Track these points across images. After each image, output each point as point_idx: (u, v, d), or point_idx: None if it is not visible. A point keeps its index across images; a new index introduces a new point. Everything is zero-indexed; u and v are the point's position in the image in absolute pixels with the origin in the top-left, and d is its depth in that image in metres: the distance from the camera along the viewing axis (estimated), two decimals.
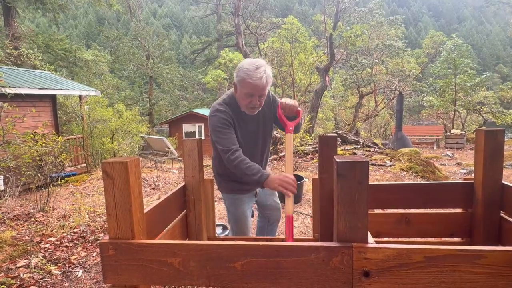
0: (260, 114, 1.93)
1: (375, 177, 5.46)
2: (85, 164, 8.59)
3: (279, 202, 2.35)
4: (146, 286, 1.17)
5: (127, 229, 1.13)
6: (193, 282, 1.09)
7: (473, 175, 1.67)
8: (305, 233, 3.48)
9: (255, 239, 1.96)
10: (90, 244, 3.41)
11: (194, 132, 17.44)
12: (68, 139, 8.32)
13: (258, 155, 2.03)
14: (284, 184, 1.68)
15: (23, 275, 2.73)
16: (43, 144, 5.04)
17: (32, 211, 4.53)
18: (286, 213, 1.72)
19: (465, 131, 13.61)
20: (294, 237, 1.78)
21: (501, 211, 1.61)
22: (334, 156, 1.08)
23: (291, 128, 1.86)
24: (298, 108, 1.87)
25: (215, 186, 2.32)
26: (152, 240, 1.31)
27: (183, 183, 1.80)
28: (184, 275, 1.09)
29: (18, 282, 2.65)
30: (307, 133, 8.27)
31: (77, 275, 2.81)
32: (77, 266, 2.96)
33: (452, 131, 13.02)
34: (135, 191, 1.14)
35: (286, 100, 1.85)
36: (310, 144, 7.72)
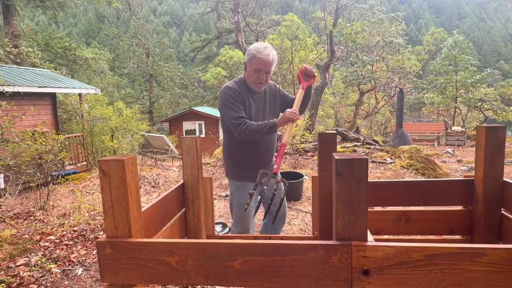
0: (267, 95, 2.16)
1: (376, 174, 5.45)
2: (85, 162, 8.59)
3: (285, 203, 2.34)
4: (144, 285, 1.16)
5: (124, 227, 1.12)
6: (191, 281, 1.09)
7: (473, 172, 1.65)
8: (305, 231, 3.48)
9: (254, 237, 1.95)
10: (90, 242, 3.41)
11: (194, 130, 17.43)
12: (68, 138, 8.32)
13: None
14: (288, 115, 1.95)
15: (22, 274, 2.73)
16: (43, 143, 5.03)
17: (32, 209, 4.53)
18: (282, 141, 1.95)
19: (465, 128, 13.57)
20: (293, 235, 1.79)
21: (502, 209, 1.60)
22: (333, 154, 1.06)
23: (304, 86, 2.09)
24: (315, 74, 2.15)
25: (215, 184, 2.32)
26: (149, 238, 1.30)
27: (182, 181, 1.79)
28: (182, 274, 1.08)
29: (18, 281, 2.64)
30: (307, 131, 8.25)
31: (77, 274, 2.80)
32: (77, 265, 2.95)
33: (453, 128, 12.99)
34: (132, 190, 1.13)
35: (306, 65, 2.15)
36: (310, 142, 7.70)
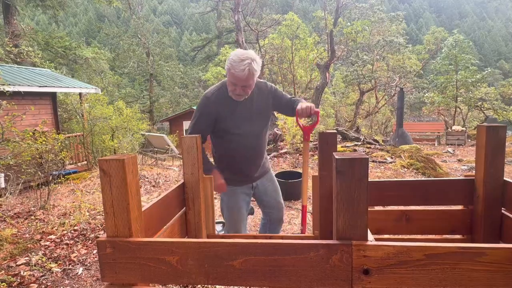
0: (254, 100, 2.03)
1: (376, 174, 5.45)
2: (85, 162, 8.60)
3: (281, 201, 2.32)
4: (144, 284, 1.16)
5: (124, 227, 1.12)
6: (191, 280, 1.09)
7: (474, 171, 1.65)
8: None
9: (254, 237, 1.95)
10: (90, 241, 3.42)
11: None
12: (69, 137, 8.33)
13: (252, 139, 2.08)
14: (217, 188, 2.05)
15: (23, 273, 2.74)
16: (43, 142, 5.03)
17: (32, 209, 4.54)
18: (302, 203, 2.01)
19: (466, 128, 13.56)
20: (293, 234, 1.81)
21: (503, 208, 1.60)
22: (333, 153, 1.06)
23: (306, 137, 1.98)
24: (316, 109, 1.91)
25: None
26: (150, 238, 1.30)
27: (182, 181, 1.79)
28: (182, 273, 1.08)
29: (19, 280, 2.65)
30: None
31: (77, 273, 2.81)
32: (78, 264, 2.96)
33: (453, 127, 12.98)
34: (133, 189, 1.13)
35: (301, 105, 1.91)
36: (311, 141, 7.71)
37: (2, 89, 5.89)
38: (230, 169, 2.13)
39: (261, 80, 2.10)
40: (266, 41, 14.90)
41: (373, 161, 6.15)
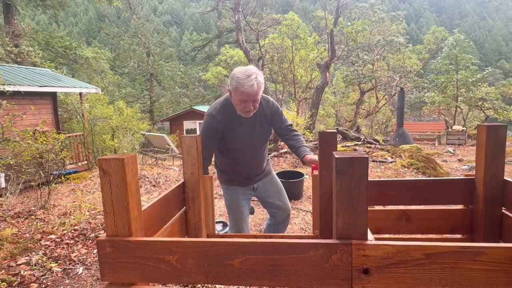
0: (257, 117, 2.04)
1: (376, 173, 5.44)
2: (86, 162, 8.60)
3: (286, 202, 2.33)
4: (144, 283, 1.16)
5: (124, 226, 1.12)
6: (191, 279, 1.09)
7: (474, 171, 1.65)
8: (305, 230, 3.48)
9: (254, 236, 1.95)
10: (90, 241, 3.42)
11: (195, 129, 17.43)
12: (69, 137, 8.33)
13: (252, 155, 2.14)
14: None
15: (23, 272, 2.74)
16: (44, 142, 5.03)
17: (33, 208, 4.54)
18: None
19: (466, 127, 13.54)
20: (294, 234, 1.80)
21: (503, 207, 1.59)
22: (333, 152, 1.06)
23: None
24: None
25: (215, 183, 2.35)
26: (149, 237, 1.30)
27: (182, 180, 1.79)
28: (182, 272, 1.08)
29: (19, 279, 2.65)
30: (308, 130, 8.24)
31: (77, 272, 2.81)
32: (78, 263, 2.96)
33: (454, 127, 12.97)
34: (132, 188, 1.13)
35: (313, 157, 1.97)
36: (311, 141, 7.70)
37: (2, 89, 5.89)
38: (226, 171, 2.22)
39: (264, 97, 2.09)
40: (267, 40, 14.87)
41: (373, 161, 6.14)
